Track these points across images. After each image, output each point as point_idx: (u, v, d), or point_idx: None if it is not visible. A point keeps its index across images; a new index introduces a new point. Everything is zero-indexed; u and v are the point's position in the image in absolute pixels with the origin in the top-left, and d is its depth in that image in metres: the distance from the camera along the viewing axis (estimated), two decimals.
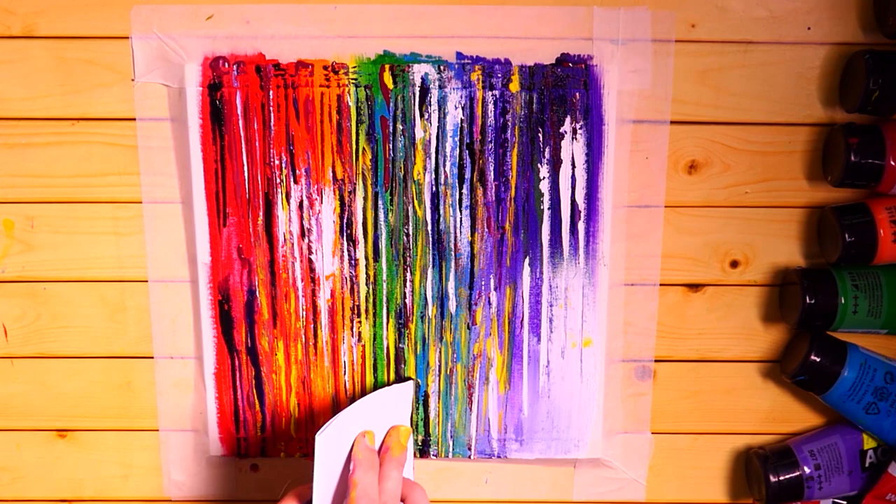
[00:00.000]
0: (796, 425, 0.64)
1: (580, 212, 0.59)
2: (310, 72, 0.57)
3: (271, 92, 0.57)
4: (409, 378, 0.60)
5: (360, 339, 0.61)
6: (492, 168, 0.58)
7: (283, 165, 0.58)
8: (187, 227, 0.60)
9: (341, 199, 0.59)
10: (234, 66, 0.57)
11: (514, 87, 0.57)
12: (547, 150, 0.58)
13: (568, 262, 0.60)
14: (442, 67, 0.57)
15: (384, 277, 0.60)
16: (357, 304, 0.60)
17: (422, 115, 0.58)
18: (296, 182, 0.59)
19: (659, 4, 0.57)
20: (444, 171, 0.58)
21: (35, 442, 0.64)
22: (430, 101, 0.58)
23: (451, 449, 0.63)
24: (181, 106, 0.58)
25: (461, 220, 0.59)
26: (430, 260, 0.60)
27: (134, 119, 0.58)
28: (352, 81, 0.57)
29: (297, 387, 0.62)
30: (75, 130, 0.59)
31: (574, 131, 0.58)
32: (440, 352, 0.61)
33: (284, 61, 0.57)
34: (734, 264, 0.61)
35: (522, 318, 0.61)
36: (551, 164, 0.58)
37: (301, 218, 0.59)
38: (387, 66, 0.57)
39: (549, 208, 0.59)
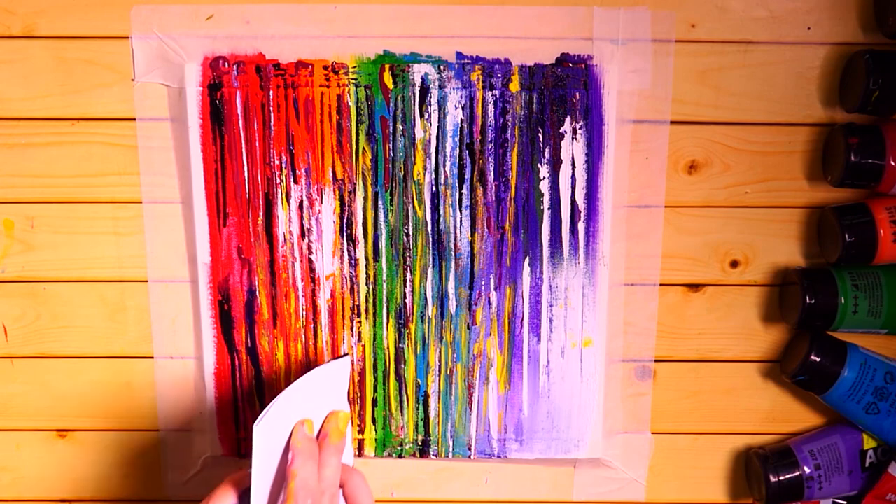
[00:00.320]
0: (796, 425, 0.64)
1: (580, 212, 0.59)
2: (310, 72, 0.57)
3: (271, 92, 0.57)
4: (346, 354, 0.60)
5: (360, 339, 0.61)
6: (492, 168, 0.58)
7: (283, 165, 0.58)
8: (187, 227, 0.60)
9: (341, 199, 0.59)
10: (234, 66, 0.57)
11: (514, 87, 0.57)
12: (547, 150, 0.58)
13: (568, 262, 0.60)
14: (442, 67, 0.57)
15: (384, 277, 0.60)
16: (357, 304, 0.60)
17: (422, 115, 0.58)
18: (296, 182, 0.59)
19: (659, 4, 0.57)
20: (444, 171, 0.58)
21: (35, 442, 0.64)
22: (430, 101, 0.58)
23: (451, 449, 0.63)
24: (181, 106, 0.58)
25: (461, 220, 0.59)
26: (430, 260, 0.60)
27: (134, 119, 0.58)
28: (352, 81, 0.57)
29: None
30: (75, 130, 0.59)
31: (574, 131, 0.58)
32: (440, 352, 0.61)
33: (284, 61, 0.57)
34: (734, 264, 0.61)
35: (522, 318, 0.61)
36: (551, 164, 0.58)
37: (301, 218, 0.59)
38: (387, 66, 0.57)
39: (549, 208, 0.59)
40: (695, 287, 0.61)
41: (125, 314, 0.62)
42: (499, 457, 0.63)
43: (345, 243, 0.60)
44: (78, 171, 0.59)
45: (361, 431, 0.63)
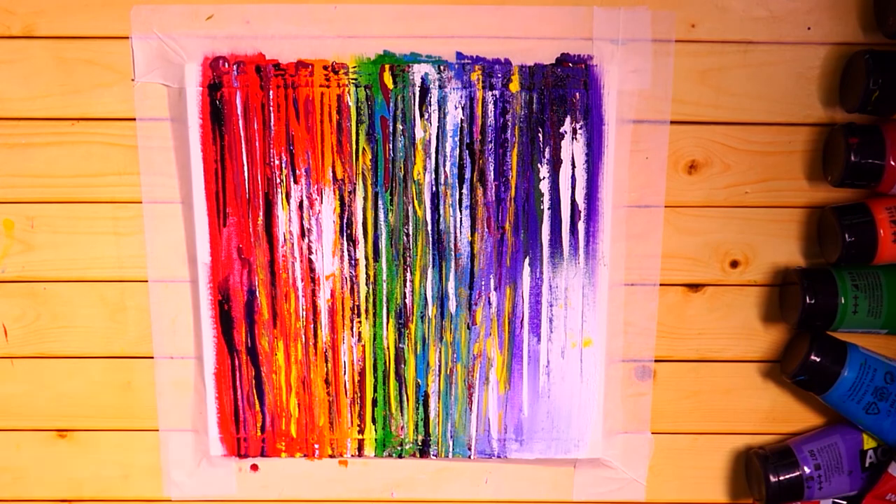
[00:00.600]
0: (796, 425, 0.64)
1: (580, 212, 0.59)
2: (310, 72, 0.57)
3: (271, 92, 0.57)
4: None
5: (360, 339, 0.61)
6: (492, 168, 0.58)
7: (283, 165, 0.58)
8: (187, 227, 0.60)
9: (341, 199, 0.59)
10: (234, 66, 0.57)
11: (514, 87, 0.57)
12: (547, 150, 0.58)
13: (568, 262, 0.60)
14: (442, 67, 0.57)
15: (384, 277, 0.60)
16: (357, 304, 0.60)
17: (422, 115, 0.58)
18: (296, 182, 0.59)
19: (659, 4, 0.57)
20: (444, 171, 0.58)
21: (35, 442, 0.64)
22: (430, 101, 0.58)
23: (451, 449, 0.63)
24: (181, 106, 0.58)
25: (461, 220, 0.59)
26: (430, 260, 0.60)
27: (134, 119, 0.58)
28: (352, 81, 0.57)
29: (297, 387, 0.62)
30: (75, 130, 0.59)
31: (574, 131, 0.58)
32: (440, 352, 0.61)
33: (284, 61, 0.57)
34: (734, 264, 0.61)
35: (522, 318, 0.61)
36: (551, 164, 0.58)
37: (301, 218, 0.59)
38: (387, 66, 0.57)
39: (549, 208, 0.59)
40: (695, 287, 0.61)
41: (125, 314, 0.62)
42: (499, 457, 0.63)
43: (345, 243, 0.60)
44: (78, 171, 0.59)
45: (361, 431, 0.63)
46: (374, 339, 0.61)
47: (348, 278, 0.60)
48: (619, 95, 0.58)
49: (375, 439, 0.63)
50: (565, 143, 0.58)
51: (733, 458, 0.65)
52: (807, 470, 0.60)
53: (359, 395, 0.62)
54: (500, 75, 0.57)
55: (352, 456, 0.63)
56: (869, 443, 0.60)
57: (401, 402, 0.62)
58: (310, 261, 0.60)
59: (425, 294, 0.60)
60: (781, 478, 0.60)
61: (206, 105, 0.57)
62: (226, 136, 0.58)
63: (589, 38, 0.57)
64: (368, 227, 0.59)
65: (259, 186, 0.59)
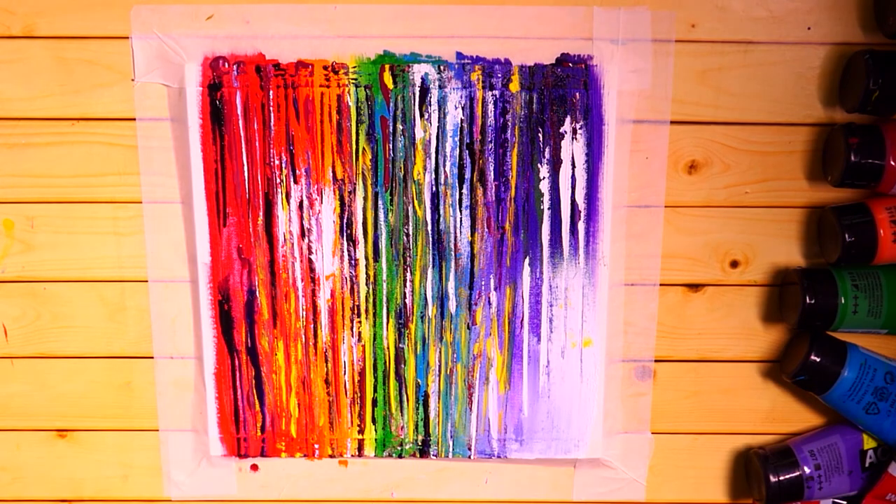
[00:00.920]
0: (796, 425, 0.64)
1: (580, 212, 0.59)
2: (310, 72, 0.57)
3: (271, 92, 0.57)
4: None
5: (360, 339, 0.61)
6: (492, 168, 0.58)
7: (283, 165, 0.58)
8: (187, 227, 0.60)
9: (341, 199, 0.59)
10: (234, 66, 0.57)
11: (514, 87, 0.57)
12: (547, 150, 0.58)
13: (568, 262, 0.60)
14: (442, 67, 0.57)
15: (384, 277, 0.60)
16: (357, 304, 0.60)
17: (422, 115, 0.58)
18: (296, 182, 0.59)
19: (659, 4, 0.57)
20: (444, 171, 0.58)
21: (35, 442, 0.64)
22: (430, 101, 0.58)
23: (451, 449, 0.63)
24: (181, 106, 0.58)
25: (461, 220, 0.59)
26: (430, 260, 0.60)
27: (134, 119, 0.58)
28: (352, 81, 0.57)
29: (297, 387, 0.62)
30: (75, 130, 0.59)
31: (574, 131, 0.58)
32: (440, 352, 0.61)
33: (284, 61, 0.57)
34: (734, 264, 0.61)
35: (522, 318, 0.61)
36: (551, 164, 0.58)
37: (301, 218, 0.59)
38: (387, 66, 0.57)
39: (549, 208, 0.59)
40: (695, 287, 0.61)
41: (125, 314, 0.62)
42: (499, 457, 0.63)
43: (345, 243, 0.60)
44: (78, 171, 0.59)
45: (361, 431, 0.63)
46: (374, 339, 0.61)
47: (348, 278, 0.60)
48: (619, 95, 0.58)
49: (375, 439, 0.63)
50: (565, 143, 0.58)
51: (733, 458, 0.65)
52: (807, 470, 0.60)
53: (359, 395, 0.62)
54: (500, 75, 0.57)
55: (352, 456, 0.63)
56: (869, 443, 0.60)
57: (401, 402, 0.62)
58: (310, 261, 0.60)
59: (425, 294, 0.60)
60: (781, 478, 0.60)
61: (206, 105, 0.57)
62: (226, 136, 0.58)
63: (589, 39, 0.57)
64: (368, 227, 0.59)
65: (259, 186, 0.59)
